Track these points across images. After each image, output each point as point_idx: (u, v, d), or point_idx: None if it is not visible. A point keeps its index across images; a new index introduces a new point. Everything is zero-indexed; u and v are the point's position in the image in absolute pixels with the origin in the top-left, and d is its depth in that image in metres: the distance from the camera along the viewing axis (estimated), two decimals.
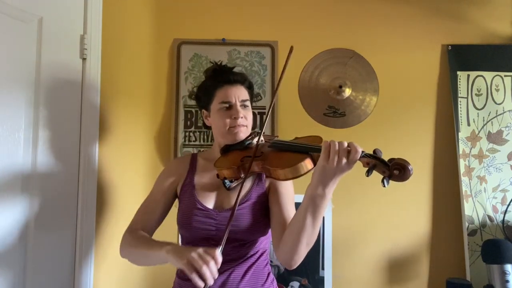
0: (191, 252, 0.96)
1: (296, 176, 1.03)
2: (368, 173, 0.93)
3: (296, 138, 1.25)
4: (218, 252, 0.97)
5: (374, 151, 0.95)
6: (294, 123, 1.91)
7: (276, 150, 1.16)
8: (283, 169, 1.04)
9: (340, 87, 1.93)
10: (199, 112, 1.87)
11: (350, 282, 1.86)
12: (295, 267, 1.09)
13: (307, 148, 1.06)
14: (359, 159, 0.95)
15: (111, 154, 1.66)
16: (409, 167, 0.89)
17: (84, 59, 1.53)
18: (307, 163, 1.03)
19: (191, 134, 1.88)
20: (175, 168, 1.33)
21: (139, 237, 1.20)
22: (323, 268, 1.84)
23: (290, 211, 1.18)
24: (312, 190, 0.98)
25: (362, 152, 0.94)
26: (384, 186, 0.91)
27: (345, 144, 0.94)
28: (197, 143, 1.88)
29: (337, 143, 0.94)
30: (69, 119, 1.49)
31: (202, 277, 0.93)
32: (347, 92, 1.94)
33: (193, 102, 1.90)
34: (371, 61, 1.95)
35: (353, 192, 1.87)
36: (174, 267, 1.09)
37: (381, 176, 0.92)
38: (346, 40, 1.96)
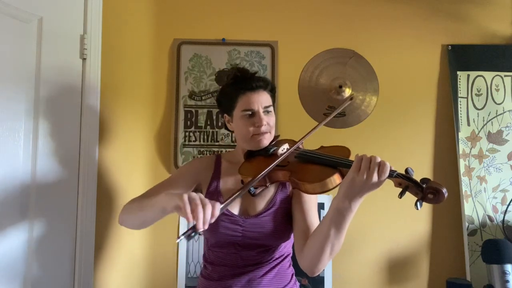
0: (192, 193, 0.93)
1: (324, 190, 1.03)
2: (401, 195, 0.93)
3: (322, 147, 1.23)
4: (218, 205, 0.93)
5: (406, 171, 0.93)
6: (294, 123, 1.91)
7: (303, 162, 1.14)
8: (311, 184, 1.04)
9: (340, 87, 1.93)
10: (199, 112, 1.88)
11: (350, 282, 1.86)
12: (317, 274, 1.10)
13: (337, 163, 1.04)
14: (391, 179, 0.94)
15: (111, 154, 1.66)
16: (443, 191, 0.87)
17: (84, 59, 1.53)
18: (336, 178, 1.02)
19: (191, 134, 1.88)
20: (200, 170, 1.31)
21: (138, 198, 1.22)
22: None
23: (313, 218, 1.18)
24: (338, 203, 0.98)
25: (395, 171, 0.93)
26: (417, 209, 0.90)
27: (378, 159, 0.94)
28: (197, 143, 1.88)
29: (370, 157, 0.94)
30: (69, 119, 1.49)
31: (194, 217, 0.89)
32: (347, 92, 1.93)
33: (193, 102, 1.90)
34: (371, 61, 1.95)
35: None
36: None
37: (408, 194, 0.92)
38: (346, 40, 1.95)
